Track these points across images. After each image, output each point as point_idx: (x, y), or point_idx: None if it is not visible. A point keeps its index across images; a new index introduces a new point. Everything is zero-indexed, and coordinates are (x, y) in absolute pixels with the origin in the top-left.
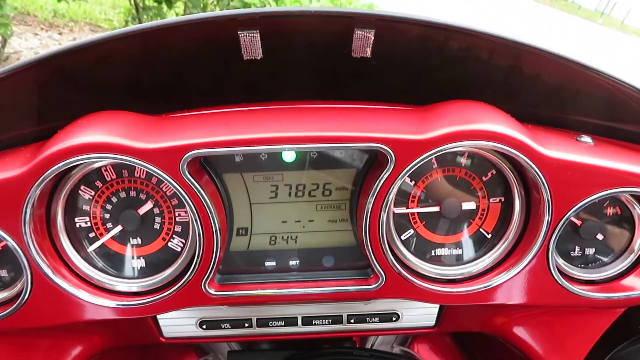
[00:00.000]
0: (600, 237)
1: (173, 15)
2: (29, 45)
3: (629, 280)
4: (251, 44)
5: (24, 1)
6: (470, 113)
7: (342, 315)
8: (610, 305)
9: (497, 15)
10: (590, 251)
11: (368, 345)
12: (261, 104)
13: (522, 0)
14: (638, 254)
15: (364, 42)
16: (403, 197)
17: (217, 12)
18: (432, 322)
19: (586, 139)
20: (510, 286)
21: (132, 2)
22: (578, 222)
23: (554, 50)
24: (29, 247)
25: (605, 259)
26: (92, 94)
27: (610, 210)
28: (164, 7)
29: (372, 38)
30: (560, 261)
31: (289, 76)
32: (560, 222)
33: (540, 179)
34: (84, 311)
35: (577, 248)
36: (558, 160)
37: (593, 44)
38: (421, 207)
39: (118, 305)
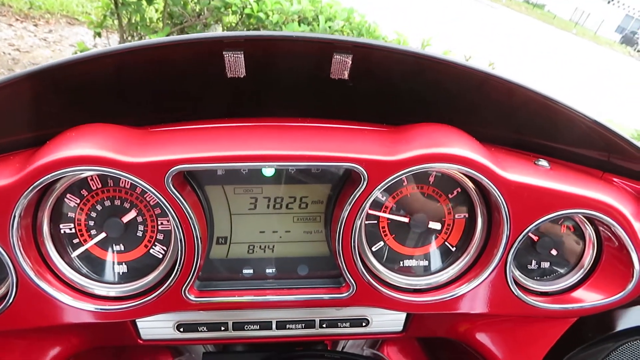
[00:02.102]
0: (554, 252)
1: (152, 11)
2: (2, 37)
3: (578, 293)
4: (235, 63)
5: None
6: (438, 137)
7: (314, 320)
8: (562, 315)
9: (476, 22)
10: (545, 265)
11: (339, 348)
12: (243, 119)
13: (499, 9)
14: (587, 269)
15: (342, 66)
16: (376, 208)
17: (204, 34)
18: (400, 328)
19: (543, 162)
20: (473, 296)
21: None
22: (535, 238)
23: (517, 80)
24: (16, 253)
25: (558, 272)
26: (82, 105)
27: (564, 228)
28: (144, 2)
29: (350, 62)
30: (518, 273)
31: (270, 94)
32: (517, 238)
33: (500, 199)
34: (67, 315)
35: (533, 262)
36: (517, 183)
37: (568, 53)
38: (392, 214)
39: (101, 309)
